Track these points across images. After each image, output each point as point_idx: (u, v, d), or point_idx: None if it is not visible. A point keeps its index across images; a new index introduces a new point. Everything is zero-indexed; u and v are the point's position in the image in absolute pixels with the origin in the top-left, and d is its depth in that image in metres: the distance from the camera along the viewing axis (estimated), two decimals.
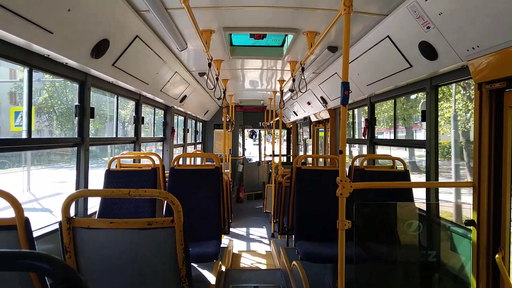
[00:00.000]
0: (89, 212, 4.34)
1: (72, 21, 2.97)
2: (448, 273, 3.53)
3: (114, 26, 3.56)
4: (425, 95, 4.14)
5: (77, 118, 4.09)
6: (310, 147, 11.46)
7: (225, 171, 8.13)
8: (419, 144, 4.69)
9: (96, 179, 4.68)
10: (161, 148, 7.67)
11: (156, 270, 2.32)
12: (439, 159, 4.01)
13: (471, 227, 2.82)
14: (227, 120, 9.89)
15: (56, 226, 2.81)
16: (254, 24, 4.31)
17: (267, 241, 8.71)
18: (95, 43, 3.47)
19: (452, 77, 3.63)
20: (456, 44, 3.00)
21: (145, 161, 5.58)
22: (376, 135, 6.09)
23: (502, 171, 2.67)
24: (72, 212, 2.26)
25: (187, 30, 4.21)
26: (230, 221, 6.35)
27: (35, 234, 2.39)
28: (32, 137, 3.36)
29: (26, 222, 1.99)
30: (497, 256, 2.55)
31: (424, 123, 4.20)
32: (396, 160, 5.00)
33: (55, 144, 4.28)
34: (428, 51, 3.39)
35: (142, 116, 5.94)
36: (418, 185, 3.79)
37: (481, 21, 2.60)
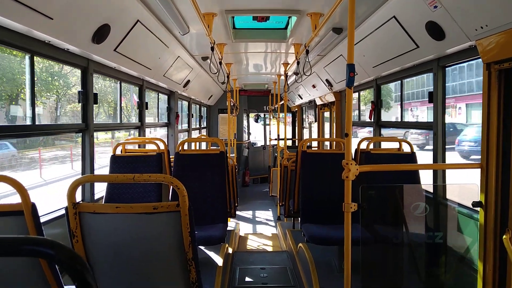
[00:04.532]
0: (96, 197, 4.38)
1: (71, 6, 2.93)
2: (455, 254, 3.53)
3: (115, 11, 3.51)
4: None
5: (80, 104, 4.09)
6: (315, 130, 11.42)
7: (230, 155, 8.14)
8: (426, 126, 4.64)
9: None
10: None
11: (163, 253, 2.34)
12: None
13: (479, 209, 2.81)
14: (232, 104, 9.85)
15: (63, 211, 2.83)
16: (257, 6, 4.23)
17: (273, 224, 8.78)
18: (96, 28, 3.43)
19: (460, 57, 3.56)
20: (464, 23, 2.93)
21: (150, 147, 5.59)
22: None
23: (510, 152, 2.64)
24: (78, 198, 2.27)
25: (189, 13, 4.14)
26: (236, 204, 6.39)
27: (42, 219, 2.41)
28: (37, 123, 3.37)
29: (33, 207, 2.00)
30: (504, 237, 2.53)
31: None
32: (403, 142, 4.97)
33: (59, 130, 4.29)
34: (435, 31, 3.31)
35: (146, 101, 5.93)
36: (425, 167, 3.77)
37: (490, 0, 2.53)
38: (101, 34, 3.52)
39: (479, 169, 2.80)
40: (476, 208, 2.88)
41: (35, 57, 3.27)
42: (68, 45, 3.35)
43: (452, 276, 3.59)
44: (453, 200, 3.82)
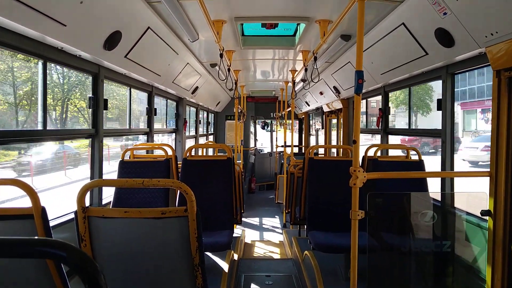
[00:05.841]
0: (104, 202, 4.41)
1: (84, 13, 2.98)
2: (463, 263, 3.49)
3: (126, 18, 3.56)
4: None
5: (91, 110, 4.14)
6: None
7: (237, 162, 8.15)
8: (434, 134, 4.61)
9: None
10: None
11: (170, 258, 2.35)
12: None
13: (487, 217, 2.78)
14: (239, 111, 9.89)
15: (72, 215, 2.86)
16: (266, 13, 4.26)
17: (279, 231, 8.74)
18: (107, 35, 3.48)
19: (469, 64, 3.55)
20: (473, 30, 2.93)
21: (158, 152, 5.63)
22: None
23: None
24: (87, 202, 2.29)
25: (199, 20, 4.19)
26: (242, 211, 6.38)
27: (51, 223, 2.44)
28: (47, 128, 3.41)
29: (43, 211, 2.02)
30: None
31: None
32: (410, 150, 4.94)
33: (69, 136, 4.34)
34: (444, 38, 3.31)
35: (155, 107, 5.98)
36: (433, 175, 3.74)
37: (500, 6, 2.52)
38: (112, 41, 3.57)
39: (488, 178, 2.78)
40: (484, 217, 2.85)
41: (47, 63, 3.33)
42: (80, 52, 3.40)
43: (460, 286, 3.54)
44: (461, 209, 3.79)
